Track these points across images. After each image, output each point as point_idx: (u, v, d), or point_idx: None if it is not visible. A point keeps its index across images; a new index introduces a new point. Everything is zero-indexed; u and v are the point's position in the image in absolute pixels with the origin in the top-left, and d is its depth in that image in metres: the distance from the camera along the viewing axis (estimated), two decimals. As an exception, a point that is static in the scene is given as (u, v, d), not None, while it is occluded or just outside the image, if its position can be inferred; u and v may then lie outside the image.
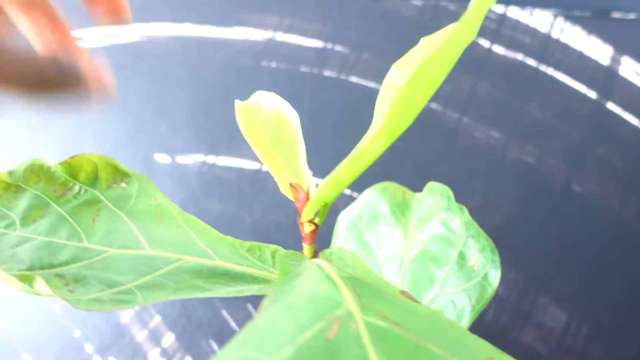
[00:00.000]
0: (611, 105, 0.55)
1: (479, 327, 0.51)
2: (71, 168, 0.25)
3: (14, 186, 0.24)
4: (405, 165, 0.55)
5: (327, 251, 0.21)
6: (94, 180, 0.25)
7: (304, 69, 0.58)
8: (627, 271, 0.52)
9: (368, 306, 0.15)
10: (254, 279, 0.22)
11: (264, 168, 0.57)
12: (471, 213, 0.52)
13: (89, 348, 0.53)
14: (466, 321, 0.27)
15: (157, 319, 0.53)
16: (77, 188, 0.24)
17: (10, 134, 0.57)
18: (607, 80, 0.56)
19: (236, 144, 0.57)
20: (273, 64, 0.58)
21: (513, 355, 0.49)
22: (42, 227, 0.22)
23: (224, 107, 0.57)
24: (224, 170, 0.56)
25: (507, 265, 0.53)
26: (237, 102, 0.24)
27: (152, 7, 0.59)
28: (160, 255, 0.22)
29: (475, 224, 0.29)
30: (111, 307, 0.19)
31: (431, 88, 0.20)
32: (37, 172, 0.24)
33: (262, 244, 0.24)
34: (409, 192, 0.33)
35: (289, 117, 0.23)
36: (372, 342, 0.13)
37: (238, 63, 0.58)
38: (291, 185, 0.22)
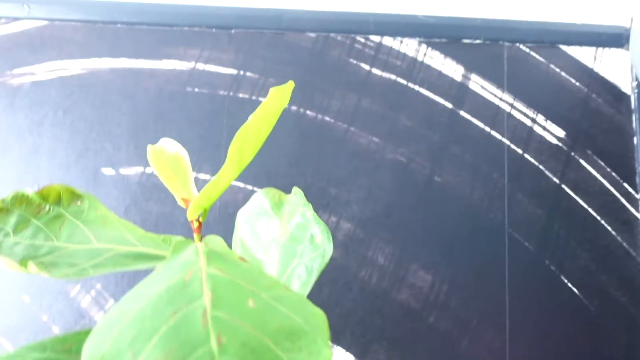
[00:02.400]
0: (463, 113, 0.71)
1: (365, 290, 0.67)
2: (43, 195, 0.37)
3: (5, 209, 0.36)
4: (306, 166, 0.70)
5: (205, 237, 0.35)
6: (58, 201, 0.38)
7: (222, 92, 0.71)
8: (475, 241, 0.68)
9: (212, 264, 0.29)
10: (164, 258, 0.36)
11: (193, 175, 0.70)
12: (358, 203, 0.67)
13: (55, 329, 0.66)
14: (314, 276, 0.41)
15: (111, 301, 0.66)
16: (47, 207, 0.37)
17: (-23, 157, 0.68)
18: (459, 93, 0.71)
19: (169, 156, 0.70)
20: (196, 89, 0.71)
21: (392, 310, 0.66)
22: (27, 234, 0.35)
23: (158, 126, 0.70)
24: (160, 179, 0.69)
25: (385, 241, 0.68)
26: (149, 147, 0.37)
27: (92, 44, 0.71)
28: (103, 247, 0.36)
29: (316, 215, 0.43)
30: (73, 277, 0.32)
31: (259, 138, 0.34)
32: (20, 199, 0.37)
33: (172, 236, 0.38)
34: (283, 194, 0.48)
35: (182, 156, 0.37)
36: (207, 279, 0.27)
37: (167, 89, 0.71)
38: (183, 199, 0.35)
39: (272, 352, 0.24)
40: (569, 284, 0.67)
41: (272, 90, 0.31)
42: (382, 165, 0.70)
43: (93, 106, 0.70)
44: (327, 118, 0.71)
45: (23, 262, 0.31)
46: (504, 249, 0.68)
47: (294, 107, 0.71)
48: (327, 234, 0.42)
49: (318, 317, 0.27)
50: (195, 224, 0.35)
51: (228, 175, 0.32)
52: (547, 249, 0.68)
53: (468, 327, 0.66)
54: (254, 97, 0.71)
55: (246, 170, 0.69)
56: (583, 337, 0.66)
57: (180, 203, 0.36)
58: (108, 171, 0.69)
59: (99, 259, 0.35)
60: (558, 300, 0.67)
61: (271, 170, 0.69)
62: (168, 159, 0.37)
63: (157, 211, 0.68)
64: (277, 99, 0.32)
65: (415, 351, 0.66)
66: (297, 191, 0.46)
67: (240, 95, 0.71)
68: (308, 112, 0.71)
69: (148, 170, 0.69)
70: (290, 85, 0.33)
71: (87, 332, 0.33)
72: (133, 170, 0.69)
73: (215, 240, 0.34)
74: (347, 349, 0.65)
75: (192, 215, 0.34)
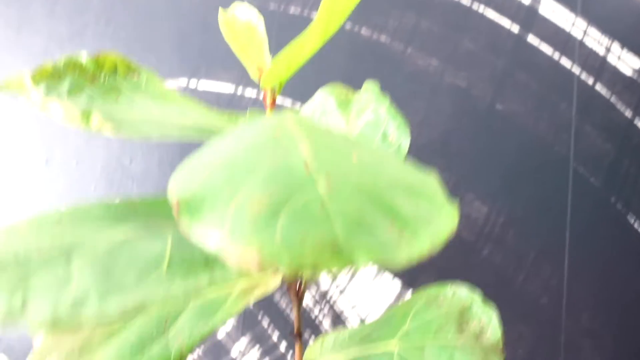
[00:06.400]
0: (531, 38, 0.66)
1: (417, 219, 0.63)
2: (98, 62, 0.34)
3: (56, 75, 0.33)
4: (358, 87, 0.65)
5: (283, 110, 0.31)
6: (114, 72, 0.34)
7: (272, 7, 0.66)
8: (537, 174, 0.64)
9: (302, 127, 0.25)
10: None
11: (239, 92, 0.66)
12: (412, 128, 0.63)
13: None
14: (386, 179, 0.38)
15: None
16: (102, 77, 0.34)
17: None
18: (528, 17, 0.66)
19: (214, 70, 0.66)
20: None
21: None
22: (82, 100, 0.32)
23: (204, 37, 0.66)
24: (204, 94, 0.66)
25: (441, 169, 0.64)
26: (221, 11, 0.33)
27: (136, -52, 0.67)
28: (167, 119, 0.32)
29: (393, 108, 0.39)
30: (137, 138, 0.29)
31: (349, 3, 0.30)
32: (73, 65, 0.33)
33: (238, 114, 0.35)
34: (351, 92, 0.44)
35: (257, 23, 0.33)
36: (301, 135, 0.24)
37: None
38: (257, 67, 0.31)
39: (390, 203, 0.20)
40: (636, 225, 0.63)
41: None
42: (440, 89, 0.65)
43: (137, 14, 0.66)
44: (382, 37, 0.66)
45: (85, 112, 0.28)
46: (567, 184, 0.63)
47: (347, 25, 0.66)
48: (403, 128, 0.38)
49: (431, 179, 0.23)
50: (270, 98, 0.32)
51: (313, 38, 0.28)
52: (615, 187, 0.63)
53: (524, 264, 0.63)
54: (304, 14, 0.66)
55: (294, 87, 0.65)
56: (646, 281, 0.62)
57: (253, 75, 0.32)
58: (150, 83, 0.65)
59: (164, 129, 0.31)
60: (622, 241, 0.63)
61: (321, 90, 0.65)
62: (241, 27, 0.33)
63: (200, 128, 0.65)
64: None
65: (467, 284, 0.62)
66: (369, 86, 0.42)
67: (291, 11, 0.67)
68: (363, 30, 0.66)
69: (192, 83, 0.65)
70: None
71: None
72: (177, 83, 0.65)
73: (295, 113, 0.30)
74: (395, 276, 0.62)
75: (267, 83, 0.30)
